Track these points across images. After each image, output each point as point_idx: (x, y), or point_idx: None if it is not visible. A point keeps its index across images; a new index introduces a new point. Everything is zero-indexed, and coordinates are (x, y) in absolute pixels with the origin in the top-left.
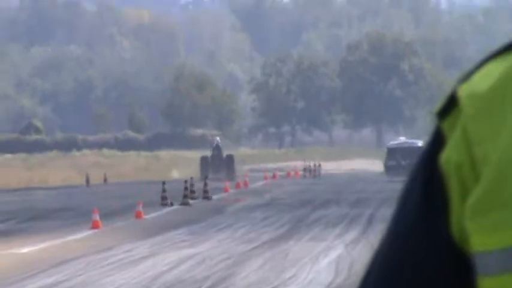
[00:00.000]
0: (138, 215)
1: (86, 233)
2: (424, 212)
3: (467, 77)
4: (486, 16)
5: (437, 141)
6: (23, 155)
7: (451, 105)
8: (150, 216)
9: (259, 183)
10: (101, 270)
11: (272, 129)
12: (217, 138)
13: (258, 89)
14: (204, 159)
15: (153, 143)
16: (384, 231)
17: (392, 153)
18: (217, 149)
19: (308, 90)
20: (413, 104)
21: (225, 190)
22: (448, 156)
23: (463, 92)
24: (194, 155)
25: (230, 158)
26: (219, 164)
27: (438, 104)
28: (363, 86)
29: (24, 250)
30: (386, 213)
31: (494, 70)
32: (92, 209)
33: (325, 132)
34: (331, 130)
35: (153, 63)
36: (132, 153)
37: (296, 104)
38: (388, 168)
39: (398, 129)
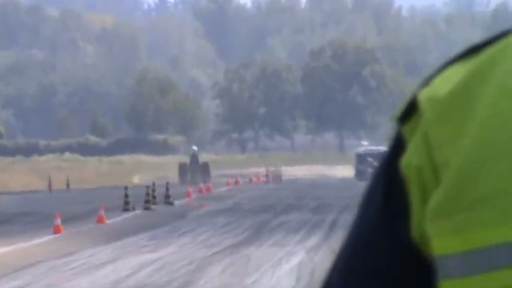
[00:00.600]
0: (100, 220)
1: (47, 238)
2: (385, 215)
3: (427, 81)
4: (448, 23)
5: (397, 146)
6: None
7: (411, 109)
8: (112, 221)
9: (222, 189)
10: (62, 275)
11: (235, 135)
12: (194, 147)
13: (221, 95)
14: (182, 166)
15: (116, 148)
16: (345, 236)
17: (362, 158)
18: (194, 156)
19: (271, 96)
20: (375, 110)
21: (187, 195)
22: (408, 160)
23: (424, 96)
24: (156, 160)
25: (206, 164)
26: (196, 170)
27: (399, 108)
28: (326, 92)
29: None
30: (348, 219)
31: (454, 74)
32: (53, 213)
33: (287, 138)
34: (293, 136)
35: (116, 68)
36: (94, 159)
37: (259, 110)
38: (358, 173)
39: (360, 135)
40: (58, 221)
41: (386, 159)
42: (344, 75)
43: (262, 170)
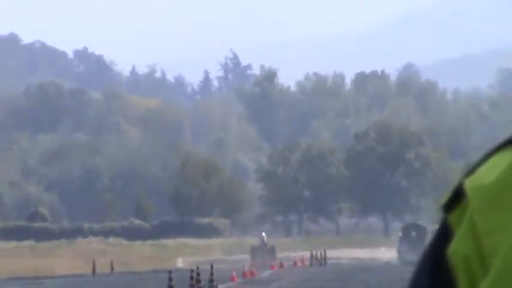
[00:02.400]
0: None
1: None
2: None
3: (473, 170)
4: (492, 106)
5: (444, 234)
6: (29, 243)
7: (457, 198)
8: None
9: (266, 272)
10: None
11: (279, 218)
12: (263, 233)
13: (266, 178)
14: (253, 249)
15: (160, 231)
16: None
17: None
18: (262, 241)
19: (315, 179)
20: (419, 192)
21: (232, 279)
22: (456, 248)
23: (469, 184)
24: (201, 243)
25: (272, 248)
26: (264, 252)
27: (444, 197)
28: (370, 175)
29: None
30: None
31: (499, 162)
32: None
33: (332, 221)
34: (337, 219)
35: (160, 151)
36: (138, 242)
37: (303, 193)
38: (401, 254)
39: (404, 218)
40: None
41: (433, 247)
42: (388, 158)
43: (306, 254)
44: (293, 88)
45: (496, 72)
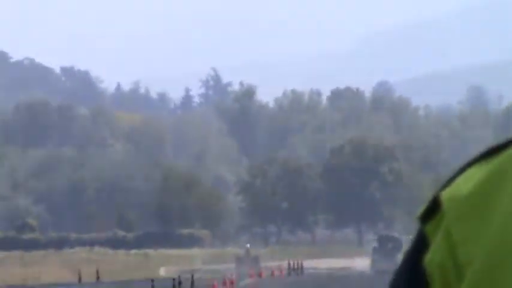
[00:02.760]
0: None
1: None
2: None
3: (448, 182)
4: (462, 121)
5: (421, 244)
6: (18, 253)
7: (433, 209)
8: None
9: (245, 282)
10: None
11: (258, 229)
12: (248, 245)
13: (245, 190)
14: (238, 259)
15: (143, 242)
16: None
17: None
18: (247, 251)
19: (293, 192)
20: (392, 204)
21: None
22: (432, 257)
23: (445, 196)
24: (182, 253)
25: (256, 257)
26: (248, 262)
27: (421, 208)
28: (345, 188)
29: None
30: None
31: (474, 174)
32: None
33: (308, 232)
34: (314, 230)
35: (143, 164)
36: (122, 252)
37: (281, 205)
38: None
39: (377, 229)
40: None
41: (410, 256)
42: (363, 172)
43: (284, 263)
44: (271, 104)
45: (465, 89)
